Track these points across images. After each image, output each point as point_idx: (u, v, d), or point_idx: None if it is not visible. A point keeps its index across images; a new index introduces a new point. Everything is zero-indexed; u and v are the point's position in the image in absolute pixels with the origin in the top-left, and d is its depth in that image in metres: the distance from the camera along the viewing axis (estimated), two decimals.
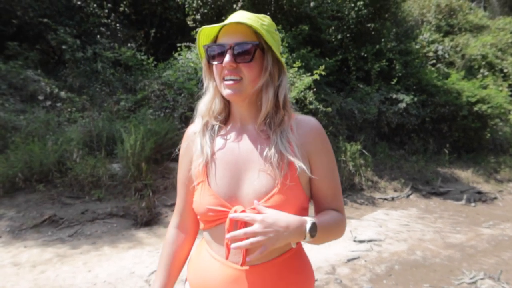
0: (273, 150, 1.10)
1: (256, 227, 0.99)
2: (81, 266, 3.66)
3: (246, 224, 1.06)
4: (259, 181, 1.09)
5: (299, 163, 1.08)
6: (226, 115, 1.23)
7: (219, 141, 1.20)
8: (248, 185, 1.11)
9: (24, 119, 5.78)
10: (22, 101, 6.51)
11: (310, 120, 1.20)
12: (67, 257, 3.83)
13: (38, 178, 5.10)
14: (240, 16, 1.08)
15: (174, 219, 1.33)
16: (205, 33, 1.12)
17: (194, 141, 1.21)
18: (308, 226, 1.03)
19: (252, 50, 1.06)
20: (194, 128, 1.24)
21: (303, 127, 1.17)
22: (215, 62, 1.10)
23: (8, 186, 4.93)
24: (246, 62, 1.06)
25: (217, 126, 1.21)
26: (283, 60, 1.12)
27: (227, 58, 1.05)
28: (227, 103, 1.21)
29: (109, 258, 3.88)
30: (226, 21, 1.07)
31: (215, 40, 1.13)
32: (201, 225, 1.21)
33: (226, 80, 1.09)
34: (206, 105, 1.20)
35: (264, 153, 1.11)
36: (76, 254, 3.93)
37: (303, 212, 1.13)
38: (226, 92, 1.10)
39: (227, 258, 1.09)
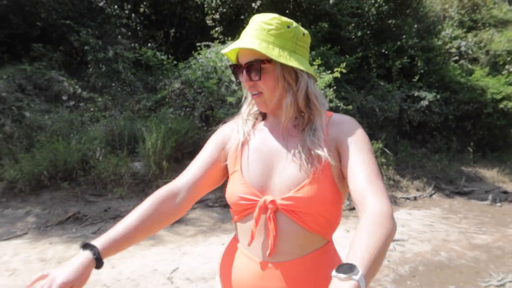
0: (303, 144, 1.12)
1: None
2: (105, 262, 3.71)
3: (275, 212, 1.08)
4: (290, 172, 1.10)
5: (325, 155, 1.08)
6: (262, 115, 1.29)
7: (254, 133, 1.24)
8: (279, 175, 1.12)
9: (48, 119, 5.91)
10: (47, 101, 6.66)
11: (343, 116, 1.21)
12: None
13: (63, 176, 5.22)
14: (245, 33, 1.13)
15: (170, 186, 1.20)
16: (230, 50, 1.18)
17: (231, 130, 1.27)
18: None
19: (258, 68, 1.11)
20: (232, 123, 1.31)
21: (335, 123, 1.17)
22: (238, 80, 1.23)
23: (34, 184, 5.06)
24: (256, 80, 1.12)
25: (254, 121, 1.28)
26: (296, 63, 1.10)
27: (243, 78, 1.14)
28: None
29: (132, 255, 3.93)
30: (232, 45, 1.12)
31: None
32: (234, 218, 1.22)
33: (252, 94, 1.17)
34: (245, 109, 1.29)
35: (296, 147, 1.13)
36: None
37: (333, 206, 1.11)
38: (255, 105, 1.22)
39: (249, 244, 1.12)
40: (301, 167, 1.09)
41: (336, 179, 1.11)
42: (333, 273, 0.79)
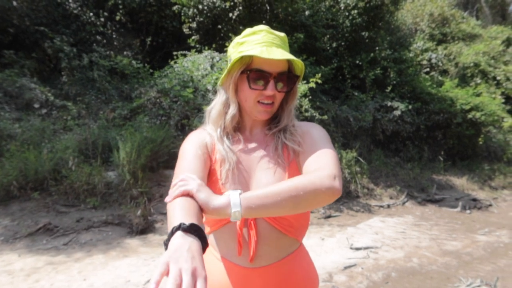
0: (277, 142, 1.20)
1: None
2: (76, 274, 3.63)
3: (256, 219, 1.12)
4: (267, 179, 1.15)
5: (293, 146, 1.18)
6: (234, 127, 1.27)
7: (233, 145, 1.25)
8: (257, 183, 1.16)
9: (19, 127, 5.75)
10: (18, 109, 6.49)
11: (307, 122, 1.30)
12: (62, 266, 3.80)
13: (33, 186, 5.07)
14: (273, 41, 1.15)
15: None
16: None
17: (210, 141, 1.23)
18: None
19: (293, 82, 1.17)
20: (207, 134, 1.25)
21: (296, 125, 1.26)
22: (256, 88, 1.13)
23: (3, 194, 4.89)
24: (285, 91, 1.17)
25: (230, 134, 1.26)
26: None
27: (271, 87, 1.13)
28: (240, 113, 1.25)
29: (104, 266, 3.85)
30: (276, 55, 1.08)
31: (250, 60, 1.13)
32: (207, 229, 1.21)
33: (262, 103, 1.16)
34: (221, 126, 1.24)
35: (271, 150, 1.20)
36: (71, 263, 3.89)
37: None
38: (259, 114, 1.19)
39: (239, 254, 1.13)
40: (278, 172, 1.15)
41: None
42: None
